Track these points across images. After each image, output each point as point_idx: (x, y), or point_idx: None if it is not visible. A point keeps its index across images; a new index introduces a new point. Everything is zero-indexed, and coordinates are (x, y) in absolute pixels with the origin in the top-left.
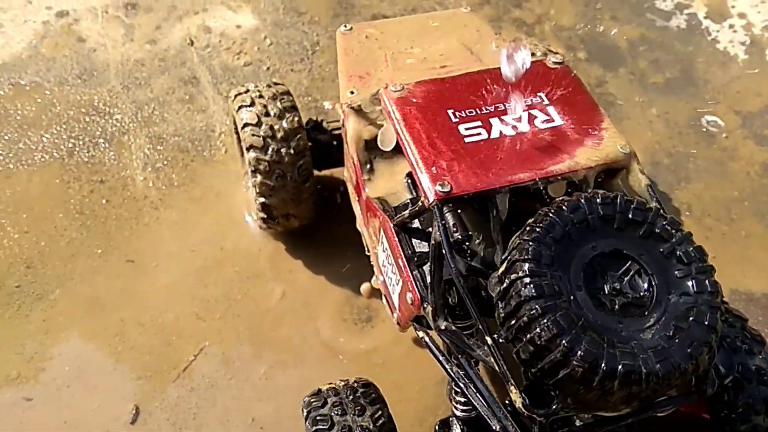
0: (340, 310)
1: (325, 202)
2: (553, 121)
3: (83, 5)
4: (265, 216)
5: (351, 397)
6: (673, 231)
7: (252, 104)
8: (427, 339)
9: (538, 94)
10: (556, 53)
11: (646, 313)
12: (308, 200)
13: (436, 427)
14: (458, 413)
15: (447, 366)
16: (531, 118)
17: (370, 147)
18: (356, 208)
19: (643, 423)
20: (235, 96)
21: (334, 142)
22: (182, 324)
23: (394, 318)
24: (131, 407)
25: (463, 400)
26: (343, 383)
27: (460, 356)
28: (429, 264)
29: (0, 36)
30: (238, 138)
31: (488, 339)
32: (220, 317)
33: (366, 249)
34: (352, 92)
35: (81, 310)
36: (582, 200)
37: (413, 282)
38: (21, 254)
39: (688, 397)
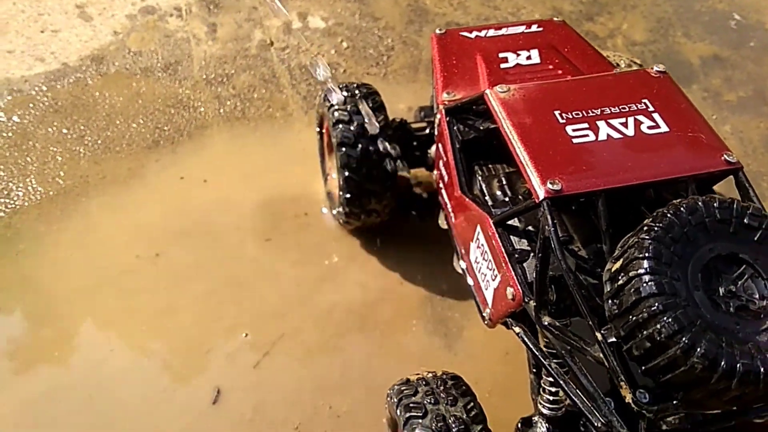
0: (417, 309)
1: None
2: (658, 127)
3: (167, 2)
4: (348, 210)
5: (442, 388)
6: None
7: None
8: (522, 334)
9: (643, 100)
10: (640, 64)
11: (762, 316)
12: (390, 197)
13: (519, 425)
14: (545, 411)
15: (545, 361)
16: (637, 124)
17: (465, 147)
18: (445, 206)
19: None
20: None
21: (415, 143)
22: (263, 317)
23: (486, 314)
24: (214, 388)
25: (551, 398)
26: (431, 374)
27: (563, 351)
28: (531, 260)
29: (89, 28)
30: (321, 136)
31: (598, 335)
32: (297, 313)
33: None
34: (448, 93)
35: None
36: (700, 203)
37: (515, 277)
38: None
39: None
